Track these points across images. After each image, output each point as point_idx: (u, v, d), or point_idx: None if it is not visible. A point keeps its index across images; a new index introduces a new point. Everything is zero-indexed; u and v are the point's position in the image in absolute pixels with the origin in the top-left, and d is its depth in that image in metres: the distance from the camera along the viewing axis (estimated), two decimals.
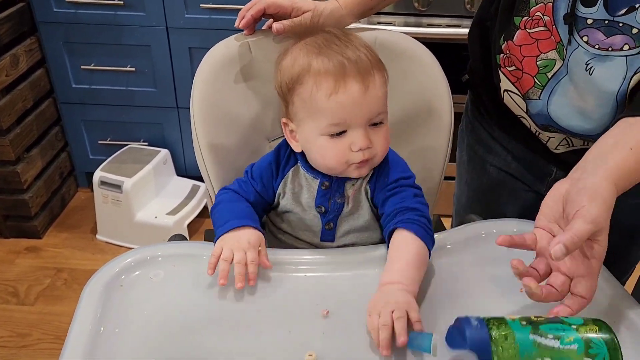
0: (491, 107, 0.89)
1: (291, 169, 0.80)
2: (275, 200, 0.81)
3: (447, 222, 1.10)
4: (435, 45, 0.96)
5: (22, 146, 1.77)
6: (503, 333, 0.54)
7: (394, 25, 1.63)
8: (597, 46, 0.71)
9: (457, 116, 0.94)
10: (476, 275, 0.73)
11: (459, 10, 1.62)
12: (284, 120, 0.78)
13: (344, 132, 0.72)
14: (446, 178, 0.97)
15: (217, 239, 0.73)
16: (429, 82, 0.90)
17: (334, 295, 0.70)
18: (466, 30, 0.91)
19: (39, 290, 1.69)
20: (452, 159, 1.01)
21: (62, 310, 1.63)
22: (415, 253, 0.70)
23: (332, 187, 0.78)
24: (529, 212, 0.96)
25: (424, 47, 0.91)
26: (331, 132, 0.72)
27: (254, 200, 0.80)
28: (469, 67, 0.93)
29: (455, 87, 0.94)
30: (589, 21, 0.71)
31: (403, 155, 0.90)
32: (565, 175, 0.87)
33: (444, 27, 1.63)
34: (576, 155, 0.82)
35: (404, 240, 0.72)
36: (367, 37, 0.89)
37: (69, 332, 0.63)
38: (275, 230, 0.84)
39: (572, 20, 0.71)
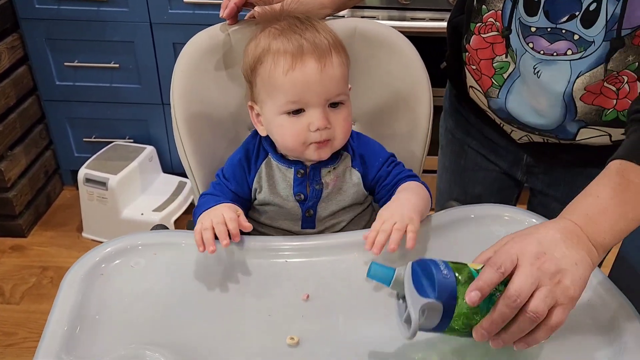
0: (464, 97, 0.92)
1: (263, 162, 0.81)
2: (253, 195, 0.82)
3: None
4: (418, 39, 0.97)
5: (5, 144, 1.75)
6: (467, 276, 0.56)
7: (378, 19, 1.64)
8: (542, 52, 0.74)
9: (437, 109, 0.95)
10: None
11: (442, 4, 1.63)
12: (249, 103, 0.80)
13: (302, 111, 0.74)
14: (430, 172, 0.98)
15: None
16: (408, 71, 0.91)
17: (314, 280, 0.70)
18: None
19: (24, 289, 1.68)
20: (434, 152, 1.02)
21: (47, 308, 1.55)
22: (424, 194, 0.78)
23: (309, 175, 0.79)
24: (505, 194, 0.99)
25: (403, 36, 0.92)
26: (288, 110, 0.74)
27: (231, 200, 0.80)
28: (446, 56, 0.95)
29: (437, 80, 0.95)
30: (533, 29, 0.74)
31: (384, 143, 0.92)
32: (534, 161, 0.91)
33: (427, 20, 1.64)
34: (538, 146, 0.86)
35: (412, 184, 0.79)
36: (347, 26, 0.90)
37: (49, 318, 0.63)
38: (255, 224, 0.84)
39: (509, 34, 0.76)
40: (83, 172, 1.78)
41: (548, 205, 0.93)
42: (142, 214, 1.79)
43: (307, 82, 0.72)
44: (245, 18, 0.90)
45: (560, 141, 0.83)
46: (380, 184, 0.82)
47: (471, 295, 0.54)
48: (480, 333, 0.55)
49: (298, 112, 0.74)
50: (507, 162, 0.95)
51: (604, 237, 0.58)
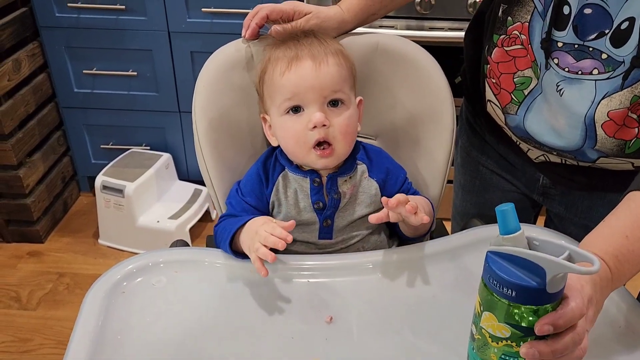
0: (481, 112, 0.90)
1: (280, 175, 0.81)
2: (270, 208, 0.82)
3: (447, 224, 1.10)
4: (437, 49, 0.96)
5: (24, 151, 1.77)
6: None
7: (396, 28, 1.63)
8: (566, 69, 0.72)
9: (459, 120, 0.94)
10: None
11: (461, 14, 1.62)
12: (262, 115, 0.82)
13: (301, 109, 0.75)
14: (448, 181, 0.97)
15: (228, 249, 0.74)
16: (431, 86, 0.89)
17: (337, 301, 0.69)
18: None
19: (40, 295, 1.69)
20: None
21: (64, 315, 1.62)
22: (430, 210, 0.82)
23: (326, 185, 0.80)
24: (522, 215, 0.96)
25: (425, 51, 0.91)
26: (287, 108, 0.76)
27: (251, 214, 0.79)
28: (462, 70, 0.94)
29: (457, 91, 0.93)
30: (559, 44, 0.71)
31: (406, 159, 0.91)
32: (551, 183, 0.88)
33: (446, 30, 1.63)
34: (555, 167, 0.83)
35: (422, 198, 0.84)
36: (369, 41, 0.89)
37: (71, 339, 0.63)
38: None
39: (548, 45, 0.72)
40: (100, 179, 1.79)
41: (565, 230, 0.90)
42: (157, 222, 1.80)
43: (301, 78, 0.75)
44: (264, 36, 0.89)
45: (579, 163, 0.80)
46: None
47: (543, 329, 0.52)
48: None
49: (297, 110, 0.76)
50: (523, 183, 0.93)
51: (622, 281, 0.60)
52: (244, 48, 0.87)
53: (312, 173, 0.80)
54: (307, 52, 0.75)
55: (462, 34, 1.61)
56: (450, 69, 0.94)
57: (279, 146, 0.82)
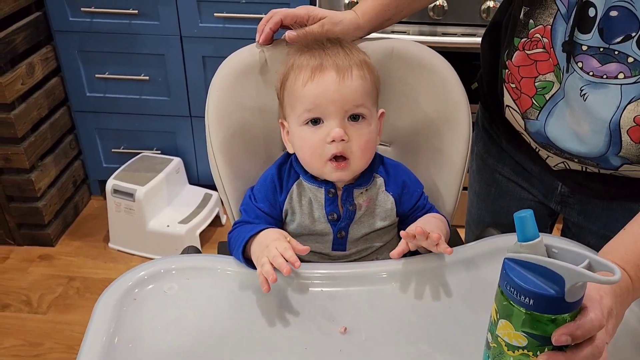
0: (498, 119, 0.88)
1: (294, 183, 0.80)
2: (283, 216, 0.81)
3: (462, 232, 1.08)
4: (449, 54, 0.95)
5: (36, 154, 1.78)
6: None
7: (409, 34, 1.62)
8: (591, 73, 0.70)
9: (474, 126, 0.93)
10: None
11: (474, 19, 1.60)
12: (280, 120, 0.81)
13: (321, 122, 0.74)
14: (463, 188, 0.96)
15: (240, 257, 0.73)
16: (447, 92, 0.88)
17: (351, 311, 0.68)
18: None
19: (51, 299, 1.69)
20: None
21: (74, 319, 1.62)
22: (446, 228, 0.80)
23: (342, 196, 0.79)
24: (539, 224, 0.94)
25: (441, 57, 0.89)
26: (306, 119, 0.74)
27: (266, 222, 0.79)
28: (478, 76, 0.92)
29: (473, 97, 0.92)
30: (584, 47, 0.69)
31: (421, 167, 0.89)
32: (570, 191, 0.86)
33: (459, 35, 1.62)
34: (575, 175, 0.81)
35: (438, 215, 0.82)
36: (384, 46, 0.88)
37: (82, 347, 0.62)
38: None
39: (570, 48, 0.70)
40: (111, 183, 1.79)
41: (583, 239, 0.87)
42: (168, 226, 1.80)
43: (324, 90, 0.73)
44: (278, 40, 0.88)
45: (600, 170, 0.78)
46: (415, 214, 0.82)
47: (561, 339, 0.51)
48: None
49: (317, 122, 0.74)
50: (541, 191, 0.91)
51: None
52: (258, 53, 0.86)
53: (327, 183, 0.78)
54: (332, 63, 0.73)
55: (475, 39, 1.62)
56: (464, 74, 0.92)
57: (294, 153, 0.81)
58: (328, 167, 0.75)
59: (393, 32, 1.60)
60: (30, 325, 1.60)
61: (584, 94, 0.71)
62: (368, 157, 0.77)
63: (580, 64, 0.70)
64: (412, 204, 0.81)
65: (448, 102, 0.88)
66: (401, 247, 0.72)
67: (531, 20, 0.74)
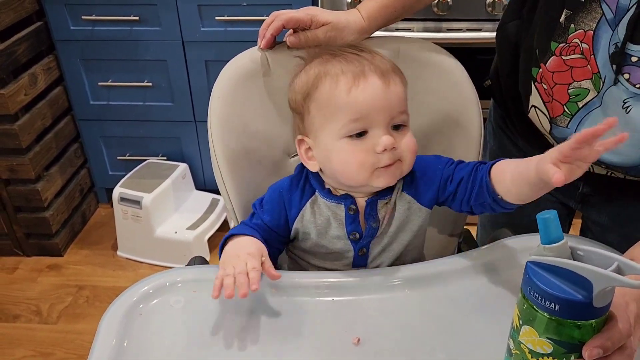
0: (515, 117, 0.85)
1: (308, 202, 0.74)
2: (293, 235, 0.76)
3: (473, 230, 1.05)
4: (455, 50, 0.92)
5: (41, 164, 1.77)
6: None
7: (413, 30, 1.59)
8: (638, 85, 0.66)
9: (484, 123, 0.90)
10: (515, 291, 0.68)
11: (479, 14, 1.57)
12: (299, 137, 0.74)
13: (365, 133, 0.68)
14: None
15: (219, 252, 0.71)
16: (456, 90, 0.86)
17: (364, 320, 0.66)
18: (487, 34, 0.88)
19: (61, 309, 1.68)
20: None
21: (84, 328, 1.61)
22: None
23: (365, 212, 0.73)
24: None
25: (449, 54, 0.87)
26: (351, 132, 0.67)
27: (264, 232, 0.74)
28: (492, 72, 0.89)
29: (481, 93, 0.89)
30: (634, 59, 0.65)
31: None
32: (592, 190, 0.83)
33: (464, 31, 1.59)
34: (598, 177, 0.78)
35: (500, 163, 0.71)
36: (390, 46, 0.86)
37: None
38: (303, 263, 0.79)
39: (620, 60, 0.66)
40: (118, 191, 1.78)
41: (605, 239, 0.83)
42: (175, 232, 1.78)
43: (372, 98, 0.66)
44: (281, 44, 0.87)
45: (626, 177, 0.75)
46: (450, 183, 0.73)
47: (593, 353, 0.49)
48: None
49: (361, 134, 0.68)
50: (560, 190, 0.86)
51: None
52: (259, 56, 0.84)
53: (347, 199, 0.73)
54: (374, 68, 0.67)
55: (481, 34, 1.59)
56: (469, 70, 0.90)
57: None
58: (375, 176, 0.68)
59: (397, 29, 1.58)
60: (41, 335, 1.60)
61: (628, 106, 0.67)
62: (414, 159, 0.72)
63: (626, 76, 0.67)
64: (438, 183, 0.73)
65: (458, 100, 0.86)
66: (558, 172, 0.57)
67: (572, 24, 0.70)
